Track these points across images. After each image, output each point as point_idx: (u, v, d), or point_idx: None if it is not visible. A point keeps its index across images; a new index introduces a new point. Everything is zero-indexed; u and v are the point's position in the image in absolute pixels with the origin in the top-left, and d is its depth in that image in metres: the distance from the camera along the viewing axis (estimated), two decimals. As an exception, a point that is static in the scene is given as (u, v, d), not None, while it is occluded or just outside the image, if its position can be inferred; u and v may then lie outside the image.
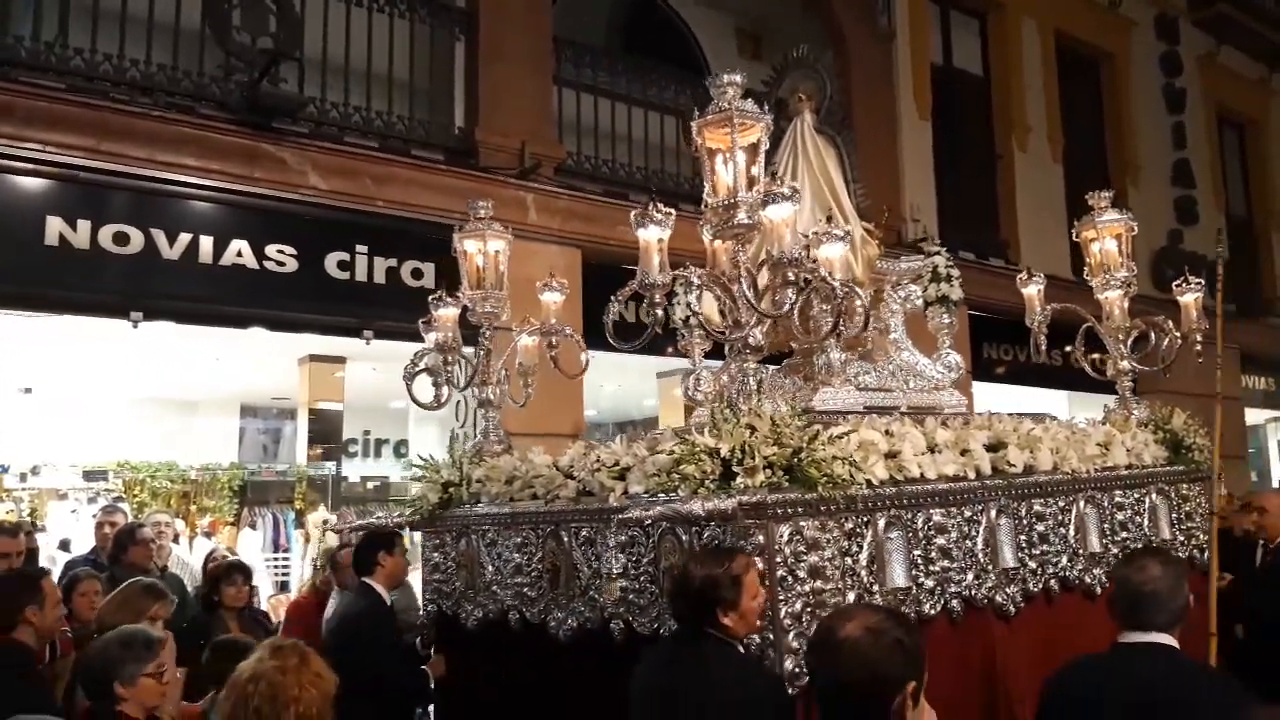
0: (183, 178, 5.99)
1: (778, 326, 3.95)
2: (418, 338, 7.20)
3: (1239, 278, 12.94)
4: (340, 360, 9.93)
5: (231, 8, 6.29)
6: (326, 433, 10.76)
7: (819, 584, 3.15)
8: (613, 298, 3.94)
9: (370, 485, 12.47)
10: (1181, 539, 4.81)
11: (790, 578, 3.10)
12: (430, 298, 4.96)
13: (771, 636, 3.04)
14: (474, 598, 4.35)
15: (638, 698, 2.98)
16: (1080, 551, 4.17)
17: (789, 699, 2.90)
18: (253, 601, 5.89)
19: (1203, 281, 5.47)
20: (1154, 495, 4.70)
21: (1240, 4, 14.36)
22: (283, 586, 9.54)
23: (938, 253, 5.05)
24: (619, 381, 10.73)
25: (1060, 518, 4.16)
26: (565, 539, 3.87)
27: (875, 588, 3.34)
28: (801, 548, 3.14)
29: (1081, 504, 4.27)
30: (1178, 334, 5.19)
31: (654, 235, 3.62)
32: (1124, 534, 4.48)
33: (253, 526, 10.34)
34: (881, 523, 3.41)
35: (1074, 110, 12.32)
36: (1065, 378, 10.79)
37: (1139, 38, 13.30)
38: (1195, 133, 13.76)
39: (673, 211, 3.68)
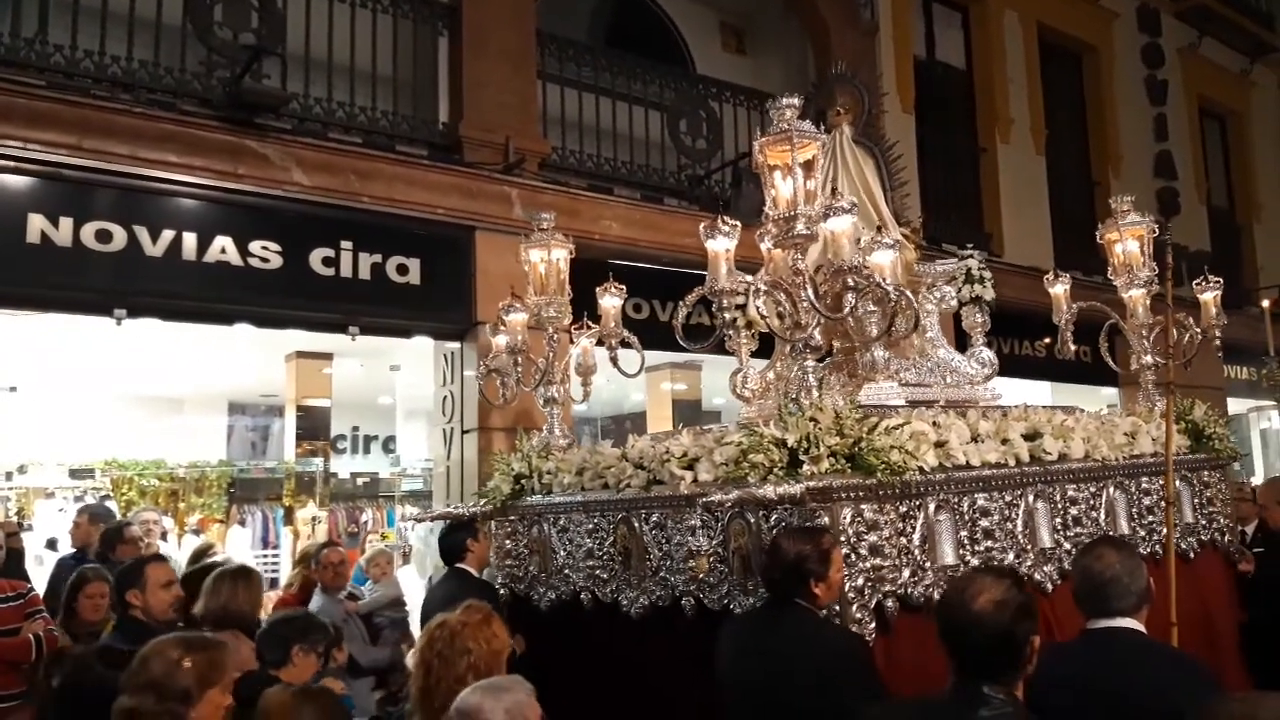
0: (165, 174, 5.96)
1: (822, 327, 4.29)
2: (404, 334, 7.29)
3: (1220, 269, 13.03)
4: (327, 356, 9.93)
5: (213, 3, 6.27)
6: (314, 429, 10.75)
7: (878, 561, 3.51)
8: (682, 302, 4.37)
9: (360, 481, 12.48)
10: (1204, 523, 5.11)
11: (853, 555, 3.46)
12: (501, 304, 5.44)
13: (838, 607, 3.37)
14: (546, 580, 4.75)
15: (733, 661, 3.26)
16: (1111, 533, 4.43)
17: (871, 654, 3.23)
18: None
19: (1221, 280, 5.72)
20: (1178, 482, 4.96)
21: (1221, -4, 14.46)
22: (272, 584, 9.54)
23: (971, 256, 5.33)
24: (607, 375, 10.74)
25: (1092, 502, 4.49)
26: (636, 524, 4.22)
27: (927, 565, 3.68)
28: (862, 528, 3.50)
29: (1111, 489, 4.60)
30: (1198, 330, 5.51)
31: (721, 246, 3.96)
32: (1150, 518, 4.74)
33: (241, 523, 10.35)
34: (932, 506, 3.75)
35: (1056, 102, 12.39)
36: (1049, 369, 10.89)
37: (1121, 30, 13.38)
38: (1177, 124, 13.85)
39: (738, 224, 4.00)
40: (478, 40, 7.42)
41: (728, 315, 4.06)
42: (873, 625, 3.43)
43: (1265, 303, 5.90)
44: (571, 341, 5.49)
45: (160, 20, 6.19)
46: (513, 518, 5.03)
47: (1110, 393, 12.04)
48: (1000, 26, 11.76)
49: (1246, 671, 4.84)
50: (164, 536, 7.90)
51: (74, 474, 10.04)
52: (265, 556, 10.10)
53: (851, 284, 3.88)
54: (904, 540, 3.62)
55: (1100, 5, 13.12)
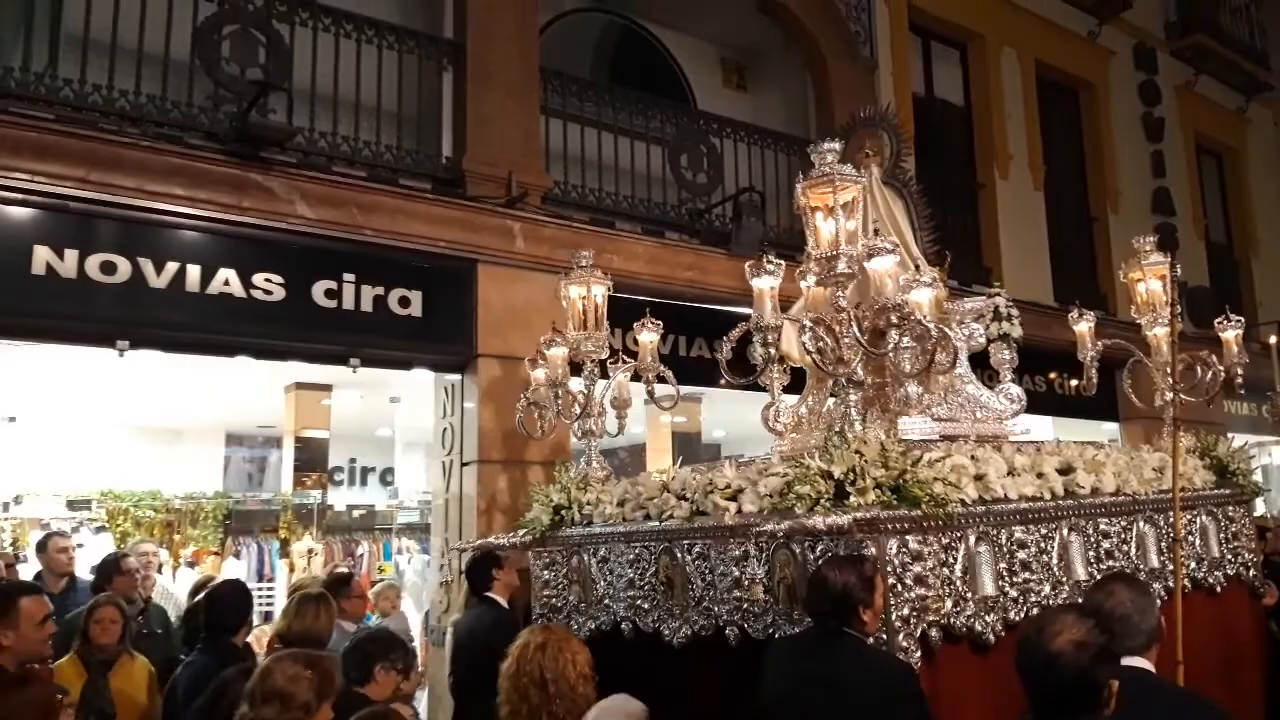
0: (171, 207, 5.98)
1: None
2: (405, 366, 7.28)
3: (1220, 304, 13.09)
4: (326, 388, 9.92)
5: (221, 39, 6.33)
6: (312, 460, 10.72)
7: (922, 591, 3.59)
8: (724, 338, 4.57)
9: (356, 514, 12.40)
10: (1229, 557, 5.21)
11: (899, 585, 3.54)
12: (542, 338, 5.64)
13: (885, 636, 3.45)
14: (586, 610, 4.82)
15: (786, 690, 3.32)
16: (1141, 567, 4.55)
17: (919, 679, 3.29)
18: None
19: (1242, 319, 5.93)
20: (1204, 516, 5.12)
21: (1217, 35, 14.61)
22: (266, 617, 9.46)
23: (998, 293, 5.45)
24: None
25: (1123, 536, 4.57)
26: (678, 555, 4.30)
27: (969, 595, 3.77)
28: (907, 559, 3.58)
29: (1141, 523, 4.68)
30: (1221, 368, 5.63)
31: (767, 284, 4.15)
32: (1180, 552, 4.76)
33: (237, 556, 10.27)
34: (972, 538, 3.84)
35: (1055, 139, 12.48)
36: (1050, 404, 10.89)
37: (1118, 67, 13.50)
38: (1174, 161, 13.94)
39: (782, 263, 4.18)
40: (482, 76, 7.48)
41: (771, 351, 4.22)
42: (918, 654, 3.51)
43: (1273, 339, 5.92)
44: (606, 375, 5.61)
45: (168, 55, 6.23)
46: (551, 548, 5.09)
47: (1111, 428, 12.04)
48: (998, 63, 11.87)
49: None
50: (160, 569, 7.85)
51: (70, 505, 9.98)
52: (260, 589, 10.01)
53: (895, 321, 4.02)
54: (946, 571, 3.71)
55: (1097, 43, 13.25)
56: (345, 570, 7.39)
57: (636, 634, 4.49)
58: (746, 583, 3.94)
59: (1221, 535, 5.21)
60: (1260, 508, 13.69)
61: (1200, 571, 4.95)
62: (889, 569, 3.50)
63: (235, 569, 9.85)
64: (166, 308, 6.02)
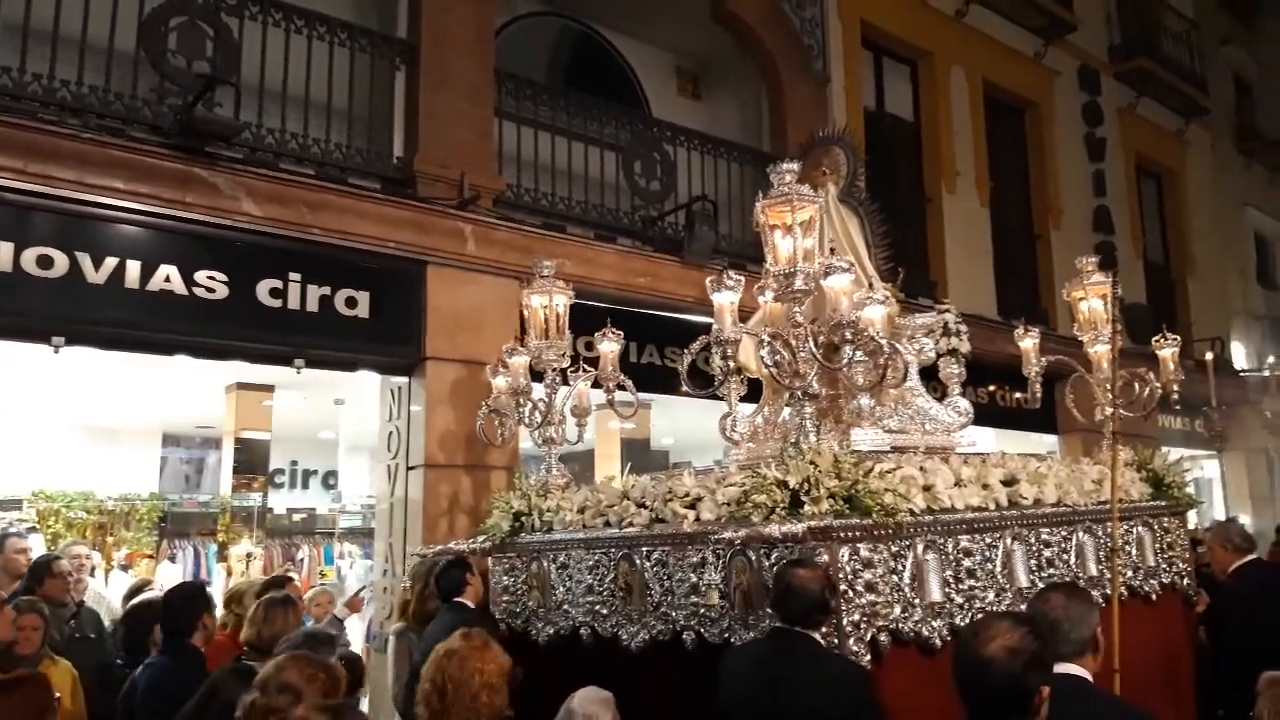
0: (111, 201, 5.83)
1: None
2: (350, 367, 7.17)
3: (1155, 322, 13.41)
4: (269, 389, 9.72)
5: (168, 31, 6.19)
6: (252, 462, 10.51)
7: (872, 597, 3.71)
8: (686, 349, 4.70)
9: (296, 517, 12.20)
10: (1164, 565, 5.42)
11: (850, 591, 3.65)
12: (504, 346, 5.70)
13: (836, 641, 3.56)
14: (545, 615, 4.90)
15: (745, 693, 3.38)
16: (1080, 575, 4.71)
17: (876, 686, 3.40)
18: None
19: (1178, 338, 6.18)
20: (1140, 527, 5.33)
21: (1158, 59, 14.99)
22: (203, 621, 9.24)
23: (948, 310, 5.58)
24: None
25: (1063, 545, 4.73)
26: (637, 561, 4.39)
27: (916, 601, 3.88)
28: (859, 566, 3.70)
29: (1081, 533, 4.85)
30: (1158, 384, 5.81)
31: (727, 299, 4.29)
32: (1118, 560, 4.93)
33: (172, 559, 10.04)
34: (920, 546, 3.96)
35: (1001, 156, 12.71)
36: (992, 416, 11.06)
37: (1062, 88, 13.79)
38: (1115, 180, 14.28)
39: (742, 279, 4.33)
40: (435, 76, 7.41)
41: (730, 363, 4.31)
42: (868, 658, 3.60)
43: (1208, 356, 6.13)
44: (567, 383, 5.67)
45: (113, 45, 6.08)
46: (510, 554, 5.14)
47: (1051, 440, 12.27)
48: (947, 81, 12.06)
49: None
50: (92, 572, 7.64)
51: (1, 505, 9.68)
52: (197, 593, 9.77)
53: (849, 337, 4.14)
54: (895, 578, 3.82)
55: (1043, 64, 13.53)
56: (252, 580, 7.26)
57: (595, 639, 4.56)
58: (704, 588, 4.01)
59: (1157, 545, 5.40)
60: (1193, 520, 14.07)
61: (1137, 580, 5.14)
62: (841, 576, 3.61)
63: (170, 572, 9.64)
64: (104, 304, 5.87)
